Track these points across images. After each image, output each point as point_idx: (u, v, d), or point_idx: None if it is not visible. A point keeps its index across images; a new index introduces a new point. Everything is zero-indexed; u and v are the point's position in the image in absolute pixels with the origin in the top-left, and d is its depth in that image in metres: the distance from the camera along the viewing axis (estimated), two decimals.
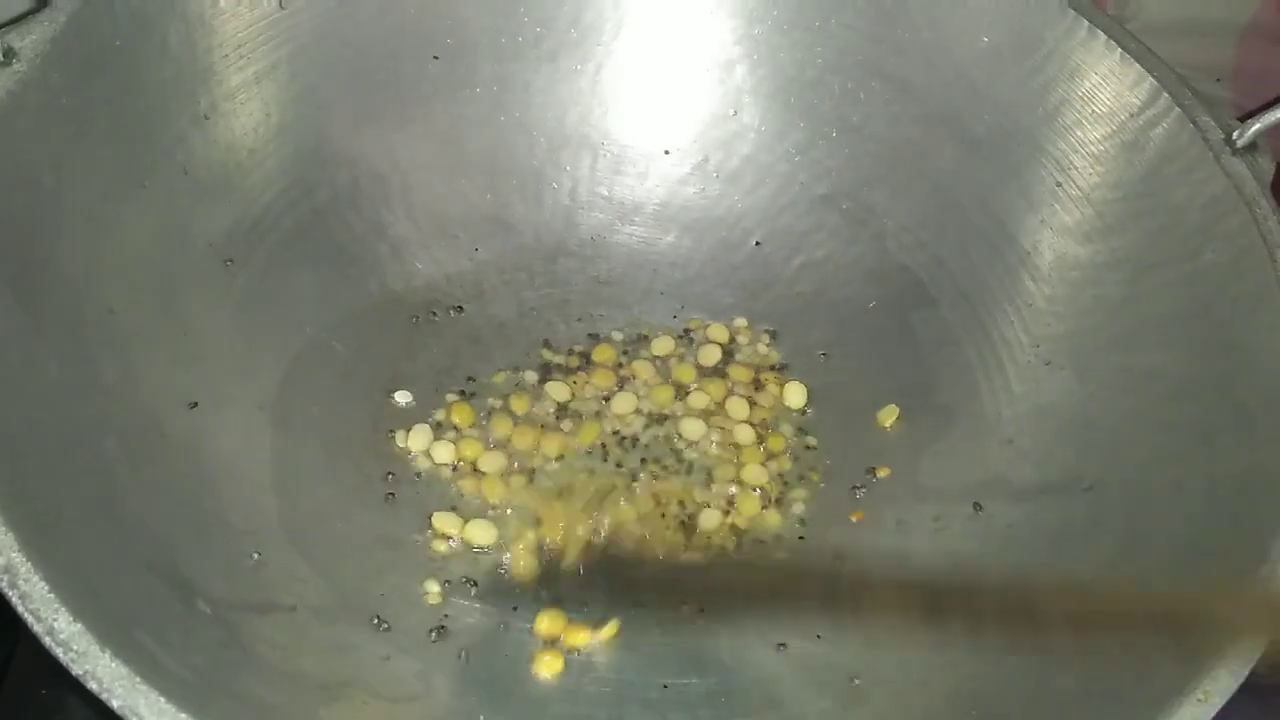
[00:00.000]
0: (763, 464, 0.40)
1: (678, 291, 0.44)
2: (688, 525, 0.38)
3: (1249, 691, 0.27)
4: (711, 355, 0.42)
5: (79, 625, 0.25)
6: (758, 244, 0.44)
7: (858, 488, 0.39)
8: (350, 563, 0.36)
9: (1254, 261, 0.34)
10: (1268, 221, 0.35)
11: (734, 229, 0.45)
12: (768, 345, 0.43)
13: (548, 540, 0.37)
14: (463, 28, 0.43)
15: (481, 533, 0.37)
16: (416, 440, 0.39)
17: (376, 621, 0.34)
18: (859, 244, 0.44)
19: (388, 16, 0.42)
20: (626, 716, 0.34)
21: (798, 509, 0.39)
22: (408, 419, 0.39)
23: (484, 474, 0.39)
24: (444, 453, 0.39)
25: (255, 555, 0.34)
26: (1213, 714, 0.26)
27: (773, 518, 0.38)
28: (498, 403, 0.40)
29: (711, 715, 0.34)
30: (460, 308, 0.42)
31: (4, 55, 0.33)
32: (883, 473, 0.39)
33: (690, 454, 0.40)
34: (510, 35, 0.44)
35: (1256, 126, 0.36)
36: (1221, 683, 0.26)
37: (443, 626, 0.35)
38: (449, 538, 0.37)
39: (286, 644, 0.32)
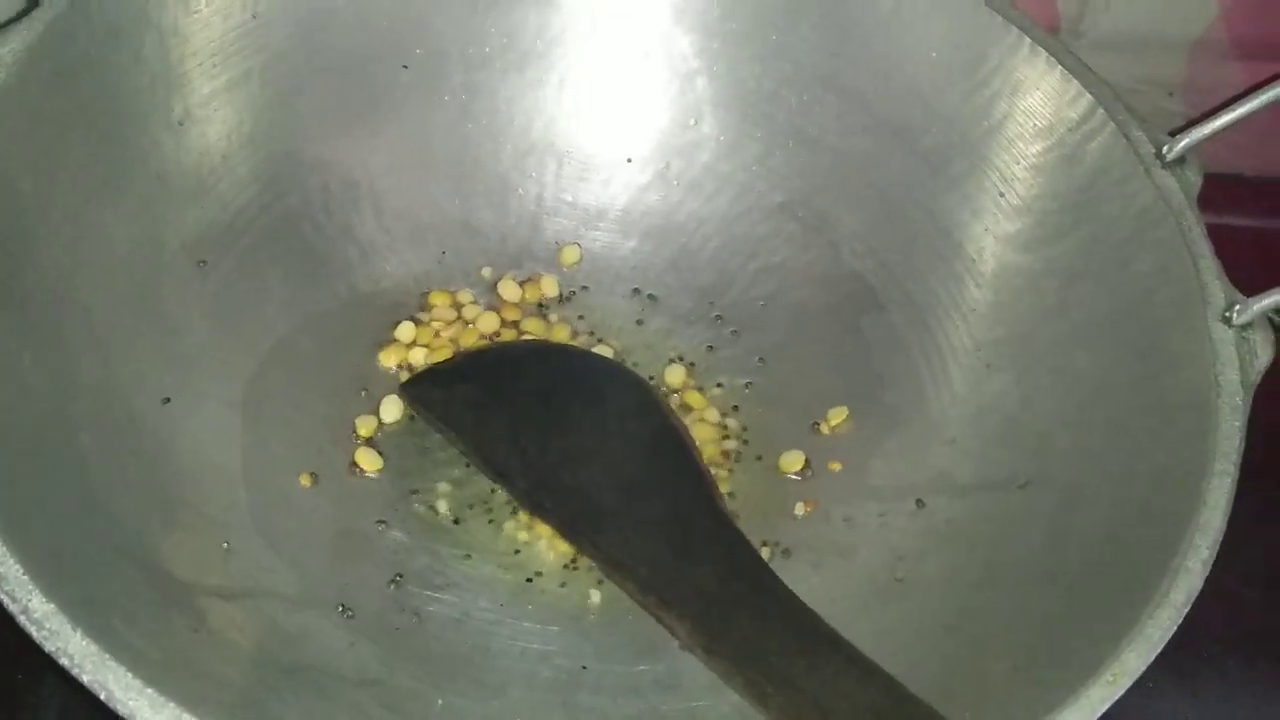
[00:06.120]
0: (711, 460, 0.41)
1: (639, 295, 0.45)
2: None
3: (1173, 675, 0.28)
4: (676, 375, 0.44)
5: (51, 605, 0.26)
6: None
7: (806, 482, 0.41)
8: (316, 553, 0.37)
9: (1179, 270, 0.36)
10: (1192, 232, 0.36)
11: (694, 235, 0.46)
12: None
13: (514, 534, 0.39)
14: (433, 38, 0.44)
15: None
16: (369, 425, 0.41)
17: (341, 609, 0.36)
18: (813, 250, 0.45)
19: (359, 27, 0.43)
20: (579, 702, 0.35)
21: (746, 504, 0.40)
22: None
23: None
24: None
25: (225, 544, 0.35)
26: (1119, 694, 0.28)
27: None
28: None
29: (661, 700, 0.35)
30: (426, 309, 0.44)
31: None
32: (834, 466, 0.41)
33: None
34: (478, 46, 0.45)
35: (1185, 141, 0.38)
36: (1129, 665, 0.28)
37: (405, 614, 0.36)
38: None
39: (254, 629, 0.33)
